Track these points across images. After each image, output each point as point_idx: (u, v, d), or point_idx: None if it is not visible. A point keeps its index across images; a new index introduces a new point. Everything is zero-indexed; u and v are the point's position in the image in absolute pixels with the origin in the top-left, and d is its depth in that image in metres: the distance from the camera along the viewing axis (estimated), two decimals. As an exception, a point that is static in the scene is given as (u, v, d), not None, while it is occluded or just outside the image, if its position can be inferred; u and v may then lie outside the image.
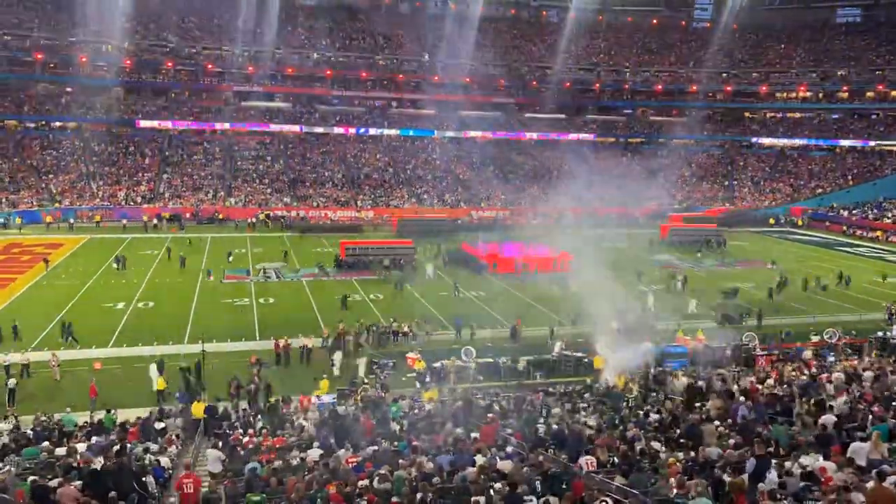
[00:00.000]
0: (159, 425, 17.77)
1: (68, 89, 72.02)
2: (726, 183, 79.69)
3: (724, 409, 15.68)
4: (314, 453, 14.00)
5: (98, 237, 50.60)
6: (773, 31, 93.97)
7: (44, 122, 70.08)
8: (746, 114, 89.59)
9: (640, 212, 66.86)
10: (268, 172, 70.25)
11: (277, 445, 15.41)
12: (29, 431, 16.90)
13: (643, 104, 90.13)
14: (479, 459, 12.64)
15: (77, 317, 30.48)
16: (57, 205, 58.10)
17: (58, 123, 70.63)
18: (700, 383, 19.41)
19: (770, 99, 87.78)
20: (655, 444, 13.77)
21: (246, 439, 16.39)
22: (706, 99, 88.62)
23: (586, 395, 20.87)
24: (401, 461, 12.85)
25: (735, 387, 18.29)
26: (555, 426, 15.74)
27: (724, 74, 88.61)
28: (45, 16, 72.72)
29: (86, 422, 18.40)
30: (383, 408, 18.95)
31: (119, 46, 71.91)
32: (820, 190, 75.24)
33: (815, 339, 28.52)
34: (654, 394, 20.30)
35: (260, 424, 18.19)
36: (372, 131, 79.16)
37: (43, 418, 18.37)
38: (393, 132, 79.88)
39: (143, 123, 71.53)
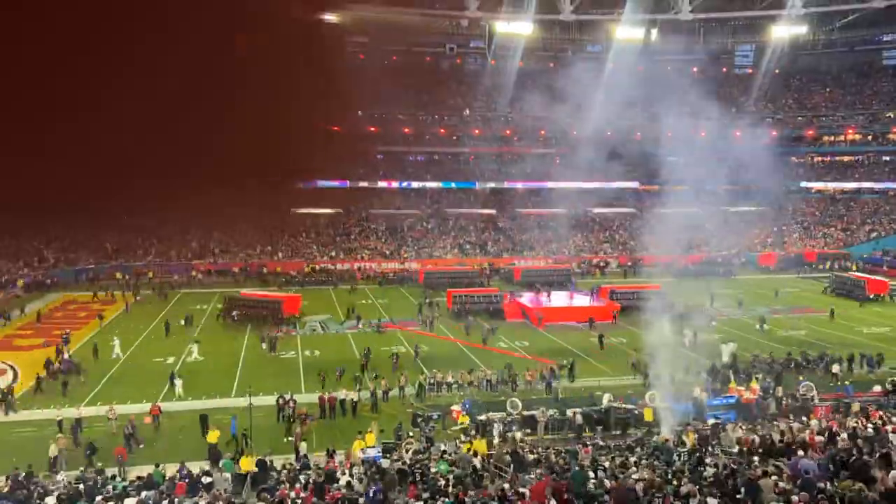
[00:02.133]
0: (206, 480, 17.84)
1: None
2: (775, 228, 78.00)
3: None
4: (360, 509, 13.86)
5: (151, 293, 51.86)
6: (818, 74, 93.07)
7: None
8: (793, 158, 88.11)
9: (687, 259, 65.85)
10: (314, 226, 71.60)
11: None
12: (81, 486, 17.15)
13: (687, 152, 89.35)
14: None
15: (128, 371, 31.22)
16: (112, 262, 60.01)
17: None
18: (754, 437, 18.70)
19: (817, 143, 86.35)
20: (712, 501, 13.25)
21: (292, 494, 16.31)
22: (751, 144, 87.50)
23: (638, 450, 20.27)
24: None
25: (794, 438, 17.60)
26: (606, 481, 15.30)
27: (769, 119, 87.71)
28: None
29: (138, 476, 18.58)
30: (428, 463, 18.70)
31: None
32: (875, 234, 73.06)
33: (877, 388, 27.33)
34: (710, 447, 19.61)
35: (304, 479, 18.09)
36: (415, 184, 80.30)
37: (91, 473, 18.69)
38: (435, 185, 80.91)
39: (195, 182, 73.93)
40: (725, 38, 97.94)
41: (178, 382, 28.90)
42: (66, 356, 33.33)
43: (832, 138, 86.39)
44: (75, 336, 38.05)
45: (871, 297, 50.13)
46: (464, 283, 54.42)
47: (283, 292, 51.12)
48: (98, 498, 15.44)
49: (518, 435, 22.99)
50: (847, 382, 28.05)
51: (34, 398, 28.01)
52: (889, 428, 17.89)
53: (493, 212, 77.70)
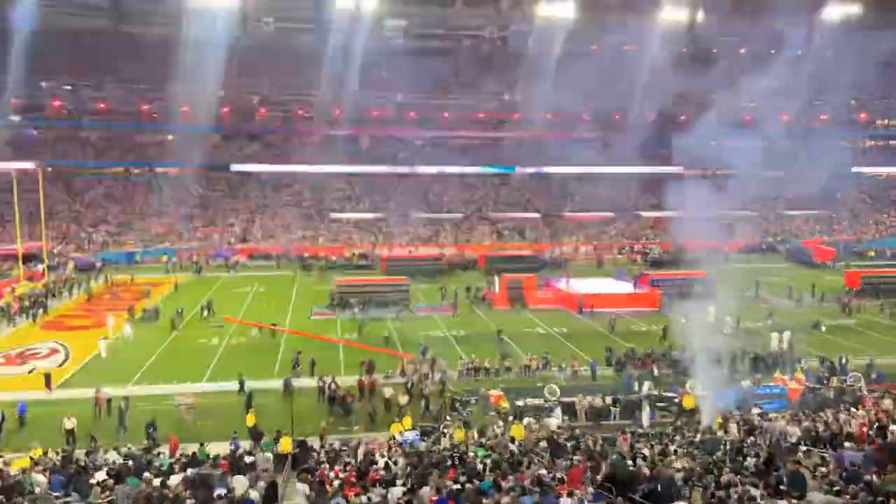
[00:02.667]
0: (248, 459, 18.21)
1: (170, 137, 76.76)
2: (823, 216, 75.92)
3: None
4: (397, 491, 13.99)
5: (195, 277, 52.98)
6: (870, 56, 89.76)
7: (148, 168, 74.79)
8: (843, 142, 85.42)
9: (729, 246, 64.62)
10: (354, 212, 72.14)
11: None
12: (130, 462, 17.69)
13: (734, 136, 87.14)
14: (565, 501, 12.31)
15: (174, 352, 32.02)
16: (159, 246, 61.51)
17: (160, 169, 75.24)
18: (797, 429, 18.32)
19: (869, 127, 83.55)
20: (753, 491, 13.02)
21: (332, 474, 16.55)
22: (800, 128, 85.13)
23: (678, 438, 20.04)
24: (484, 501, 12.66)
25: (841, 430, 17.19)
26: (644, 469, 15.16)
27: (819, 101, 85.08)
28: (150, 69, 78.01)
29: (182, 454, 19.09)
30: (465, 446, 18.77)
31: (216, 95, 76.05)
32: (929, 221, 70.66)
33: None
34: (753, 437, 19.26)
35: (346, 460, 18.35)
36: (454, 169, 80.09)
37: (137, 450, 19.31)
38: (474, 169, 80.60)
39: (238, 167, 75.24)
40: (775, 18, 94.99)
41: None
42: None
43: (885, 122, 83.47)
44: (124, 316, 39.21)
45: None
46: (428, 270, 53.75)
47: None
48: (146, 474, 15.89)
49: (554, 421, 22.91)
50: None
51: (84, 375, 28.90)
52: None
53: (532, 199, 77.12)
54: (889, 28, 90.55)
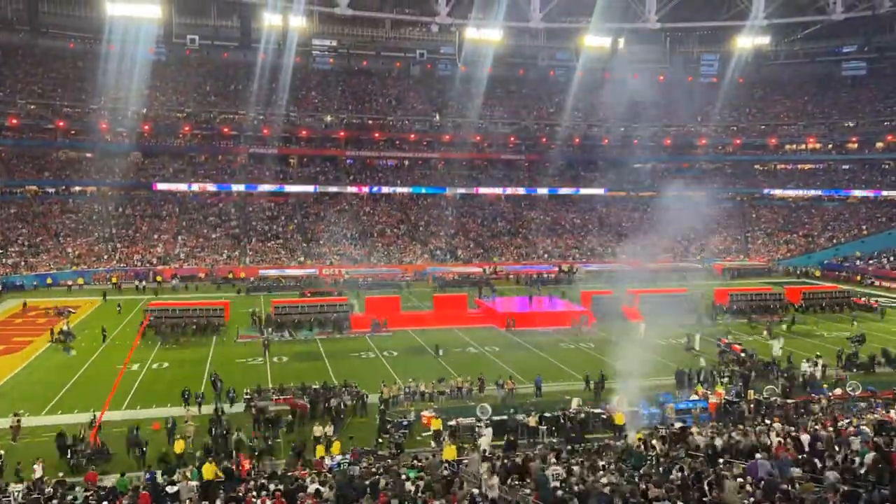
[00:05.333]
0: (172, 489, 17.52)
1: (88, 155, 73.86)
2: (738, 236, 79.48)
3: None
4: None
5: (114, 299, 50.90)
6: (780, 84, 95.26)
7: (64, 187, 71.65)
8: (756, 166, 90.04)
9: (653, 265, 66.79)
10: (282, 232, 71.03)
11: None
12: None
13: (653, 159, 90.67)
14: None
15: (93, 378, 30.57)
16: (74, 268, 58.82)
17: (77, 188, 72.22)
18: (718, 441, 18.96)
19: (779, 151, 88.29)
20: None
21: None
22: (715, 152, 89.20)
23: (606, 454, 20.41)
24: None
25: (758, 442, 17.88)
26: (574, 486, 15.38)
27: (733, 128, 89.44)
28: (67, 84, 75.07)
29: (99, 486, 18.17)
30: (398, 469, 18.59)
31: (138, 112, 73.82)
32: (835, 240, 74.85)
33: (837, 391, 27.96)
34: (676, 451, 19.82)
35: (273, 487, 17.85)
36: (385, 190, 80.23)
37: (54, 481, 18.28)
38: (405, 190, 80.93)
39: (161, 186, 72.97)
40: (691, 47, 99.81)
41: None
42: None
43: (794, 147, 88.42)
44: (36, 343, 37.27)
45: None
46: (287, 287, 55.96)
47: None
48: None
49: (485, 440, 22.96)
50: (824, 385, 28.66)
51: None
52: (850, 430, 18.30)
53: (461, 217, 77.96)
54: (794, 58, 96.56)
